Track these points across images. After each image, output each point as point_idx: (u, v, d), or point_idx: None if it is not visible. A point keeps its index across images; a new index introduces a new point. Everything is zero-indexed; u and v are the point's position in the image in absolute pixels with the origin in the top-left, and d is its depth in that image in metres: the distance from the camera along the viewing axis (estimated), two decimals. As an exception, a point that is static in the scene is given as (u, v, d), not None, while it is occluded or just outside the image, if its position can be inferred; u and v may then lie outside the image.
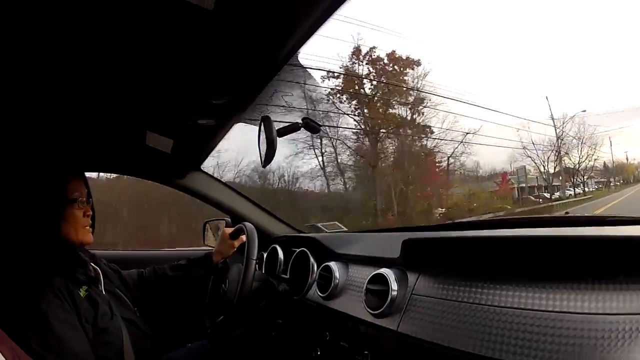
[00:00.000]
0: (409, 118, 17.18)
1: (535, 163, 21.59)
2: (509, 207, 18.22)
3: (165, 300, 1.65)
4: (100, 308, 1.14)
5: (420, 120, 17.32)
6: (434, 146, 17.61)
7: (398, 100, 16.90)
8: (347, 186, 17.13)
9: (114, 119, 1.44)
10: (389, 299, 1.19)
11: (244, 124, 1.58)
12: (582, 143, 21.93)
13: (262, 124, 1.30)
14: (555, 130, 20.68)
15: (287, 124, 1.35)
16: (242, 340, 1.66)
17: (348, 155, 16.78)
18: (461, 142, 17.54)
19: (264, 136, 1.30)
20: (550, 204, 19.40)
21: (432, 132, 17.35)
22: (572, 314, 0.79)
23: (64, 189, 1.21)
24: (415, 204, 16.12)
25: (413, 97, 17.13)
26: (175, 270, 1.60)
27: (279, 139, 1.30)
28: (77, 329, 1.06)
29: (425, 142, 17.62)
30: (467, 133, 17.30)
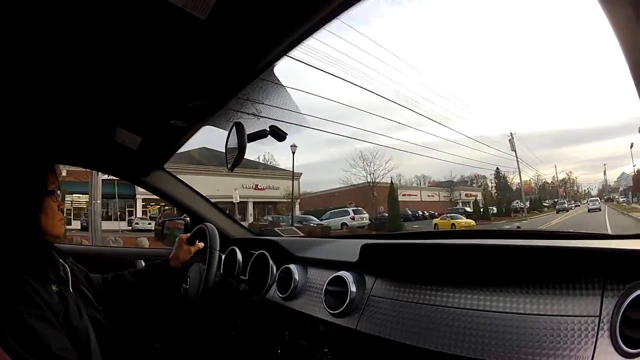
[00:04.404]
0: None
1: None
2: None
3: (129, 304, 1.64)
4: (70, 306, 1.13)
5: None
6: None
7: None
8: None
9: (89, 112, 1.44)
10: (348, 299, 1.27)
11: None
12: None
13: (233, 129, 1.34)
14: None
15: (255, 131, 1.40)
16: (202, 345, 1.68)
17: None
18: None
19: (234, 141, 1.34)
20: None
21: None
22: (518, 315, 0.90)
23: (44, 180, 1.18)
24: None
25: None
26: (135, 276, 1.60)
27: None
28: (53, 325, 1.03)
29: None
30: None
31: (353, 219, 23.55)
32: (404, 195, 35.66)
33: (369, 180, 29.56)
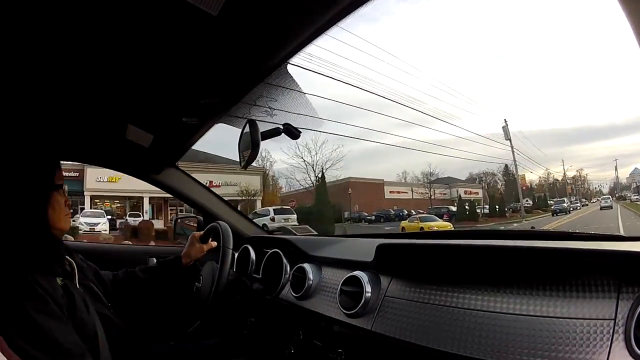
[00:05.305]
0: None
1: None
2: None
3: (140, 300, 1.65)
4: (76, 300, 1.13)
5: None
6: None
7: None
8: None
9: (100, 109, 1.44)
10: (363, 300, 1.25)
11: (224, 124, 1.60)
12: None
13: (247, 126, 1.33)
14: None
15: (269, 128, 1.38)
16: (214, 344, 1.68)
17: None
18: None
19: (248, 138, 1.33)
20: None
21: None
22: (533, 317, 0.88)
23: (52, 174, 1.19)
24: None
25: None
26: (146, 273, 1.60)
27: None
28: (59, 319, 1.02)
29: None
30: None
31: (273, 219, 21.94)
32: (391, 192, 34.82)
33: (309, 173, 27.65)
